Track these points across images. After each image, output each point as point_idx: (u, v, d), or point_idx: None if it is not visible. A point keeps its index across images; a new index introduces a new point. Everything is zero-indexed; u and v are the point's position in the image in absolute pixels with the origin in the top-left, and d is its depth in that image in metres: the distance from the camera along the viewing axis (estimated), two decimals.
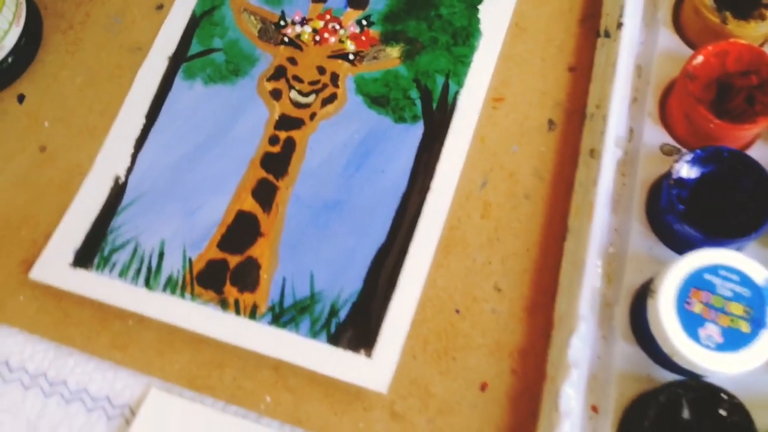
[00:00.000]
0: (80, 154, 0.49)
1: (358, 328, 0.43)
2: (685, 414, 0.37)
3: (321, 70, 0.50)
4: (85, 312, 0.45)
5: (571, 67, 0.49)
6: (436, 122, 0.48)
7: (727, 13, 0.44)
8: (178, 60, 0.51)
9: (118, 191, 0.48)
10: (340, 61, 0.50)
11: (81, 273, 0.45)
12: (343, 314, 0.43)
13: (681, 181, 0.41)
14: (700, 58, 0.43)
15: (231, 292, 0.44)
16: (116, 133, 0.49)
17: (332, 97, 0.49)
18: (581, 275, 0.42)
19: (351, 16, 0.51)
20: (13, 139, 0.50)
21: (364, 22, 0.51)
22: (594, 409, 0.40)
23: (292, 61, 0.50)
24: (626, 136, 0.45)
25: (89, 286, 0.45)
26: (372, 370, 0.42)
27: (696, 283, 0.37)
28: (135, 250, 0.46)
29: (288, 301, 0.44)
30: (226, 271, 0.45)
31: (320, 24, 0.51)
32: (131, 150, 0.49)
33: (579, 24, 0.50)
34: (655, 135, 0.45)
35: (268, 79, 0.50)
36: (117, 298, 0.44)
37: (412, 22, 0.50)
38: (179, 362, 0.44)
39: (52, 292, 0.45)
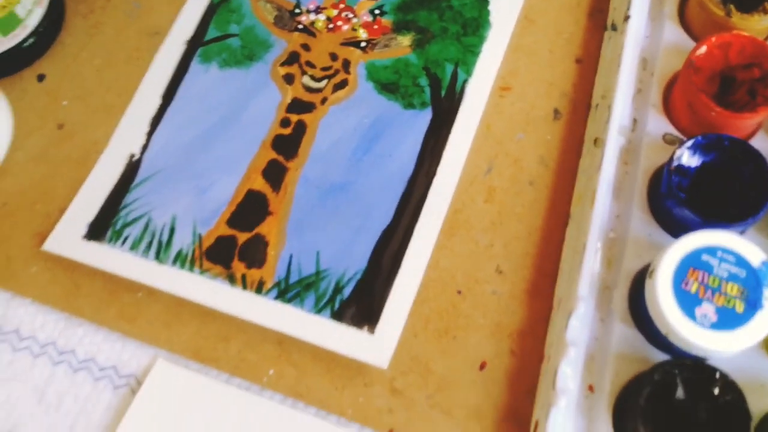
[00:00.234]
0: (97, 132, 0.50)
1: (361, 305, 0.44)
2: (679, 392, 0.37)
3: (333, 57, 0.51)
4: (95, 284, 0.46)
5: (578, 58, 0.50)
6: (444, 109, 0.49)
7: (731, 7, 0.45)
8: (195, 44, 0.52)
9: (132, 168, 0.49)
10: (352, 48, 0.51)
11: (93, 245, 0.47)
12: (347, 291, 0.44)
13: (682, 169, 0.42)
14: (703, 49, 0.44)
15: (239, 267, 0.45)
16: (132, 113, 0.51)
17: (343, 83, 0.50)
18: (581, 258, 0.43)
19: (364, 5, 0.52)
20: (32, 116, 0.52)
21: (377, 12, 0.52)
22: (590, 388, 0.41)
23: (306, 47, 0.51)
24: (630, 125, 0.46)
25: (101, 258, 0.46)
26: (374, 346, 0.43)
27: (693, 263, 0.38)
28: (147, 225, 0.47)
29: (294, 278, 0.45)
30: (234, 247, 0.46)
31: (334, 12, 0.52)
32: (147, 129, 0.50)
33: (587, 18, 0.51)
34: (659, 125, 0.46)
35: (282, 64, 0.51)
36: (127, 271, 0.46)
37: (423, 12, 0.52)
38: (186, 334, 0.45)
39: (64, 264, 0.47)
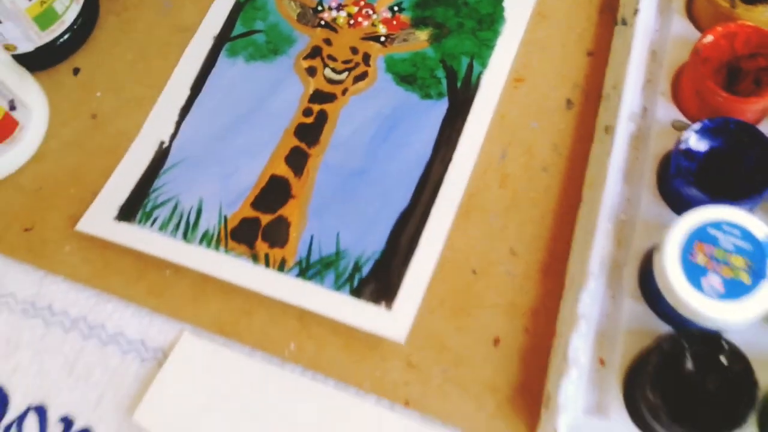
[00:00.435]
0: (128, 122, 0.53)
1: (379, 282, 0.46)
2: (688, 361, 0.38)
3: (354, 51, 0.53)
4: (125, 262, 0.48)
5: (590, 51, 0.52)
6: (460, 99, 0.51)
7: None
8: (223, 39, 0.55)
9: (162, 155, 0.51)
10: (372, 42, 0.53)
11: (124, 226, 0.49)
12: (365, 270, 0.46)
13: (690, 153, 0.44)
14: (709, 38, 0.45)
15: (262, 247, 0.47)
16: (163, 103, 0.53)
17: (363, 75, 0.52)
18: (592, 238, 0.44)
19: (384, 2, 0.55)
20: (67, 107, 0.54)
21: (396, 8, 0.54)
22: (601, 362, 0.42)
23: (328, 42, 0.54)
24: (640, 113, 0.48)
25: (131, 237, 0.48)
26: (391, 321, 0.44)
27: (700, 236, 0.39)
28: (175, 207, 0.49)
29: (314, 257, 0.47)
30: (258, 228, 0.48)
31: (355, 9, 0.55)
32: (176, 118, 0.52)
33: (598, 13, 0.53)
34: (668, 112, 0.47)
35: (305, 58, 0.53)
36: (156, 249, 0.48)
37: (440, 8, 0.54)
38: (211, 310, 0.47)
39: (96, 243, 0.49)
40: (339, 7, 0.55)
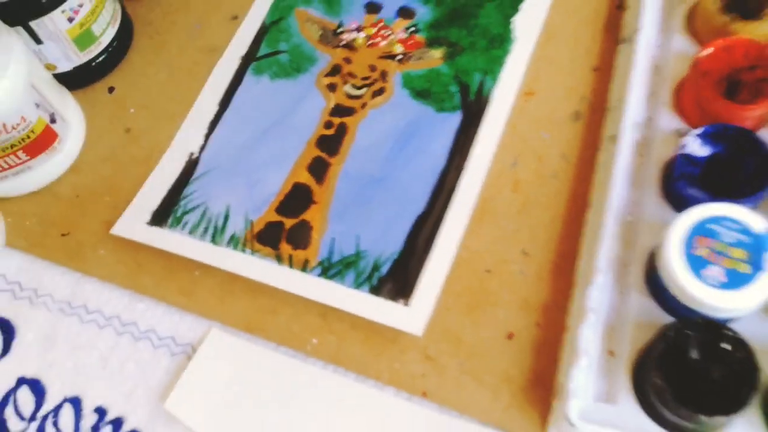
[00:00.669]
0: (160, 135, 0.56)
1: (397, 281, 0.48)
2: (692, 348, 0.40)
3: (372, 68, 0.56)
4: (156, 264, 0.51)
5: (596, 67, 0.55)
6: (473, 112, 0.54)
7: (734, 15, 0.50)
8: (249, 59, 0.58)
9: (191, 165, 0.54)
10: (389, 60, 0.57)
11: (156, 230, 0.52)
12: (384, 269, 0.49)
13: (692, 159, 0.46)
14: (709, 50, 0.48)
15: (286, 249, 0.50)
16: (192, 118, 0.56)
17: (381, 90, 0.55)
18: (600, 238, 0.46)
19: (400, 24, 0.58)
20: (103, 122, 0.58)
21: (412, 29, 0.58)
22: (611, 353, 0.44)
23: (348, 60, 0.57)
24: (644, 122, 0.51)
25: (163, 240, 0.51)
26: (409, 316, 0.47)
27: (701, 231, 0.41)
28: (204, 213, 0.52)
29: (335, 258, 0.49)
30: (282, 231, 0.51)
31: (373, 31, 0.58)
32: (205, 131, 0.56)
33: (603, 32, 0.56)
34: (670, 122, 0.50)
35: (326, 75, 0.57)
36: (186, 251, 0.50)
37: (453, 29, 0.57)
38: (238, 307, 0.49)
39: (129, 246, 0.52)
40: (358, 29, 0.59)
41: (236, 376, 0.47)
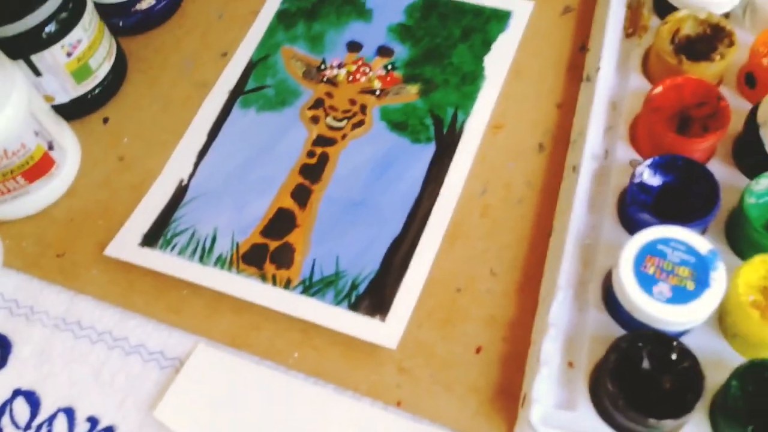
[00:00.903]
0: (152, 163, 0.60)
1: (374, 298, 0.51)
2: (643, 358, 0.44)
3: (352, 102, 0.61)
4: (147, 283, 0.54)
5: (559, 104, 0.59)
6: (446, 143, 0.58)
7: (683, 56, 0.54)
8: (237, 93, 0.62)
9: (181, 191, 0.58)
10: (368, 95, 0.61)
11: (147, 251, 0.55)
12: (362, 288, 0.52)
13: (645, 187, 0.50)
14: (659, 88, 0.53)
15: (270, 269, 0.53)
16: (183, 147, 0.60)
17: (361, 123, 0.60)
18: (561, 259, 0.50)
19: (379, 62, 0.63)
20: (98, 150, 0.61)
21: (390, 67, 0.62)
22: (570, 364, 0.47)
23: (329, 95, 0.61)
24: (602, 154, 0.55)
25: (153, 261, 0.54)
26: (384, 330, 0.50)
27: (650, 251, 0.45)
28: (192, 235, 0.55)
29: (316, 277, 0.53)
30: (266, 252, 0.54)
31: (353, 68, 0.62)
32: (194, 159, 0.59)
33: (566, 72, 0.61)
34: (626, 153, 0.54)
35: (309, 108, 0.61)
36: (175, 271, 0.54)
37: (428, 67, 0.62)
38: (223, 324, 0.52)
39: (121, 266, 0.55)
40: (340, 66, 0.63)
41: (222, 388, 0.50)
